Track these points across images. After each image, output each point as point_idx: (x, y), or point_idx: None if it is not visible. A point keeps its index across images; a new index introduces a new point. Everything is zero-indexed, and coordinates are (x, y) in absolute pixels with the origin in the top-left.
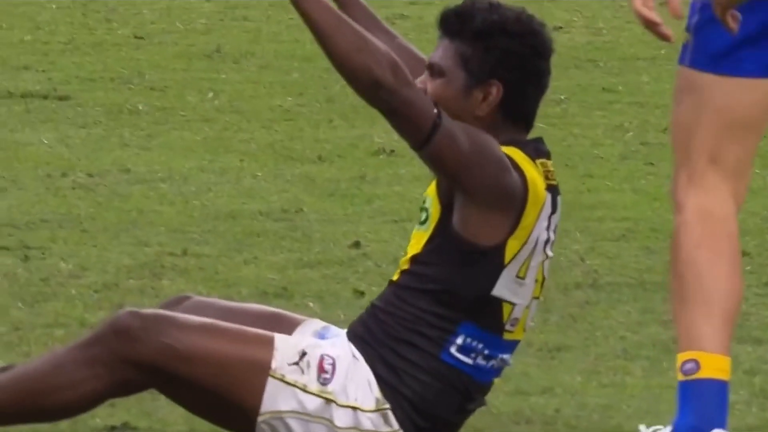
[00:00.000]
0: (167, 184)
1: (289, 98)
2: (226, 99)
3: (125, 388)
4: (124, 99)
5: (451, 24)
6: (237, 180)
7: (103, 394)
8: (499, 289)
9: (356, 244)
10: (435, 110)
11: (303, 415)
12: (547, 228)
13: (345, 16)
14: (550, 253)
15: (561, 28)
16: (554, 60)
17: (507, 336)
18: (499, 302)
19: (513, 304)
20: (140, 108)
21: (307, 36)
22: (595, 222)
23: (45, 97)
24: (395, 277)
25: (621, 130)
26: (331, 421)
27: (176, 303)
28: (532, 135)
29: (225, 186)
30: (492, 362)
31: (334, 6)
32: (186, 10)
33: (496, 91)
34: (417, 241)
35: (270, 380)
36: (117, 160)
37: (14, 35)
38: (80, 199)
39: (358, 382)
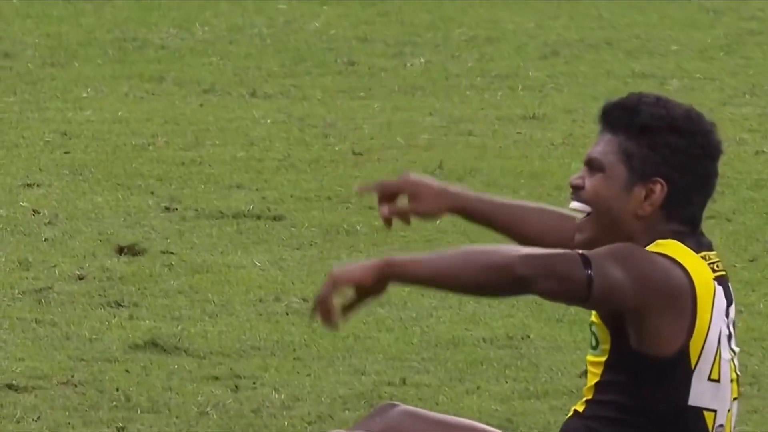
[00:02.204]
0: (385, 308)
1: None
2: (449, 219)
3: None
4: (341, 219)
5: (615, 117)
6: (459, 305)
7: None
8: (695, 398)
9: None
10: (583, 268)
11: None
12: (726, 321)
13: (444, 251)
14: (736, 349)
15: None
16: None
17: None
18: (698, 412)
19: (714, 411)
20: (358, 228)
21: (536, 152)
22: None
23: (258, 218)
24: (580, 408)
25: None
26: None
27: (383, 411)
28: None
29: (446, 311)
30: None
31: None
32: (407, 125)
33: (660, 189)
34: (594, 367)
35: None
36: None
37: (227, 152)
38: (294, 325)
39: None
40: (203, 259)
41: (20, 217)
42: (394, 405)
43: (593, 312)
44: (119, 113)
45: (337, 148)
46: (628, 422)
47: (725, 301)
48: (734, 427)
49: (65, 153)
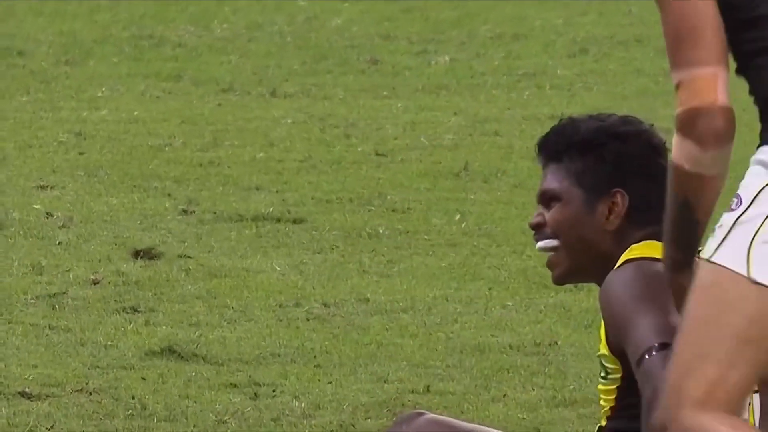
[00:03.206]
0: (409, 314)
1: None
2: (474, 221)
3: None
4: (363, 222)
5: (553, 145)
6: (485, 310)
7: None
8: None
9: None
10: (648, 353)
11: None
12: None
13: None
14: None
15: None
16: None
17: None
18: None
19: None
20: (381, 231)
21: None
22: None
23: (278, 220)
24: (603, 423)
25: None
26: None
27: (409, 420)
28: None
29: (472, 317)
30: None
31: None
32: (431, 125)
33: (621, 199)
34: (606, 395)
35: None
36: (355, 289)
37: (246, 153)
38: (314, 332)
39: None
40: (221, 263)
41: (33, 220)
42: (421, 413)
43: (601, 343)
44: (135, 113)
45: (359, 149)
46: None
47: None
48: (758, 421)
49: (80, 154)
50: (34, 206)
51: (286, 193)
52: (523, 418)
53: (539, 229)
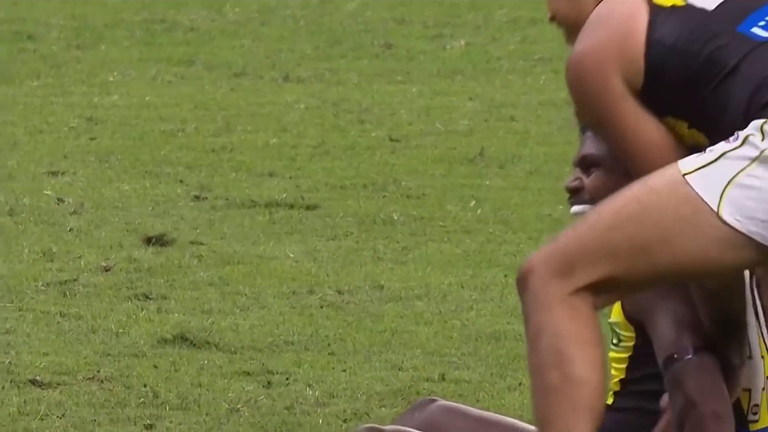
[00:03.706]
0: (424, 301)
1: (560, 207)
2: (489, 208)
3: None
4: (377, 208)
5: None
6: (501, 297)
7: None
8: None
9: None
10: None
11: None
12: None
13: None
14: (763, 323)
15: None
16: None
17: (753, 427)
18: None
19: (748, 390)
20: (395, 218)
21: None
22: None
23: (291, 206)
24: (609, 401)
25: None
26: None
27: (421, 407)
28: None
29: (487, 304)
30: None
31: None
32: (446, 110)
33: None
34: (617, 363)
35: None
36: (369, 276)
37: (259, 138)
38: (328, 319)
39: None
40: (234, 249)
41: (44, 206)
42: (433, 400)
43: (614, 310)
44: (147, 98)
45: (373, 135)
46: (660, 412)
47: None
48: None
49: (91, 139)
50: (45, 192)
51: (300, 179)
52: None
53: (576, 194)
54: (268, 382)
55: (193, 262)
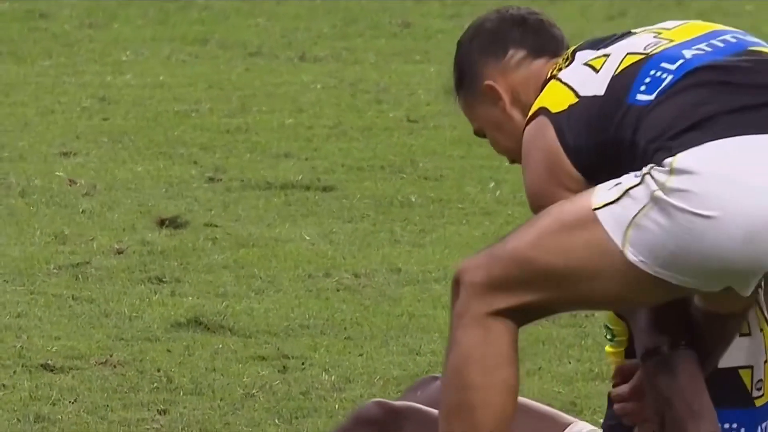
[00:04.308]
0: (442, 285)
1: None
2: (508, 189)
3: None
4: (394, 190)
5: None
6: None
7: None
8: (727, 358)
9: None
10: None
11: None
12: None
13: None
14: (761, 299)
15: None
16: None
17: (759, 402)
18: (733, 372)
19: (750, 367)
20: (413, 200)
21: None
22: None
23: (307, 188)
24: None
25: None
26: None
27: (424, 384)
28: None
29: None
30: None
31: None
32: None
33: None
34: (615, 356)
35: None
36: (386, 259)
37: (274, 119)
38: (344, 303)
39: None
40: (249, 232)
41: (56, 188)
42: (436, 378)
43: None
44: (161, 77)
45: (390, 115)
46: None
47: None
48: None
49: (104, 120)
50: (57, 173)
51: (316, 161)
52: (559, 392)
53: None
54: (284, 367)
55: (208, 244)
